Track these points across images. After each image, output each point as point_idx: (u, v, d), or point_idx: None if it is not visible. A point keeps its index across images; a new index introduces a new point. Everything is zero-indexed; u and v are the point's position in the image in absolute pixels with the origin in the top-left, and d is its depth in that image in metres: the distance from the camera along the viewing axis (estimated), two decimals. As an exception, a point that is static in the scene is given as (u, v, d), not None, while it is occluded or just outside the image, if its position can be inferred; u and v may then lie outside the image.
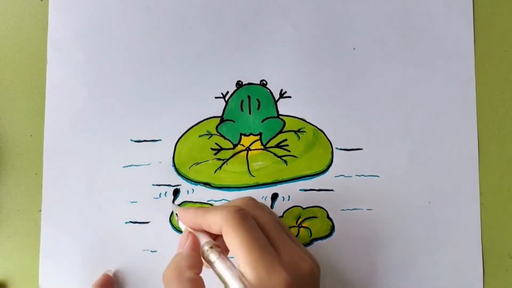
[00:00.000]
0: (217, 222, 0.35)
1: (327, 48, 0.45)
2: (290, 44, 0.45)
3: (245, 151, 0.45)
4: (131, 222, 0.44)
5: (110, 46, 0.45)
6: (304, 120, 0.45)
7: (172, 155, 0.45)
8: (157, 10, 0.45)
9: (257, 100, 0.45)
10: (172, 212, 0.44)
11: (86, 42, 0.45)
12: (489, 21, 0.46)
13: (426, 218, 0.44)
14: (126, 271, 0.44)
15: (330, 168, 0.45)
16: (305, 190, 0.44)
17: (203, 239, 0.36)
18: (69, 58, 0.45)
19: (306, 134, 0.45)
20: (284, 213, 0.44)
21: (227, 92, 0.45)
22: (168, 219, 0.44)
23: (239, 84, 0.45)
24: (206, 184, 0.45)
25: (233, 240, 0.34)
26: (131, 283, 0.44)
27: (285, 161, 0.45)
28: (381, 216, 0.44)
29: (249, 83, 0.45)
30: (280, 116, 0.45)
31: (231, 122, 0.45)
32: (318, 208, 0.44)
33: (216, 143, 0.45)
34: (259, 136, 0.45)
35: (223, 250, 0.36)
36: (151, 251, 0.44)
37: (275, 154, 0.45)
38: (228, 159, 0.45)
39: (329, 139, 0.45)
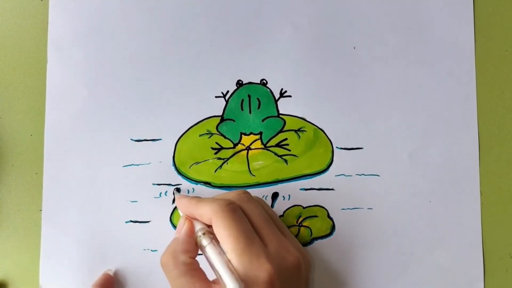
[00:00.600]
0: (207, 214, 0.36)
1: (327, 48, 0.45)
2: (290, 43, 0.45)
3: (246, 151, 0.45)
4: (131, 221, 0.44)
5: (110, 46, 0.45)
6: (305, 119, 0.45)
7: (172, 155, 0.45)
8: (157, 10, 0.45)
9: (258, 99, 0.45)
10: (172, 211, 0.44)
11: (86, 42, 0.45)
12: (489, 21, 0.46)
13: (427, 217, 0.44)
14: (126, 271, 0.44)
15: (331, 167, 0.45)
16: (306, 190, 0.44)
17: (198, 226, 0.38)
18: (69, 58, 0.45)
19: (307, 133, 0.45)
20: (284, 212, 0.44)
21: (228, 92, 0.45)
22: (169, 218, 0.44)
23: (239, 84, 0.45)
24: (207, 184, 0.44)
25: (222, 231, 0.35)
26: (131, 283, 0.44)
27: (286, 161, 0.45)
28: (381, 215, 0.44)
29: (250, 83, 0.45)
30: (280, 116, 0.45)
31: (232, 121, 0.45)
32: (318, 207, 0.44)
33: (216, 143, 0.45)
34: (259, 135, 0.45)
35: (215, 238, 0.37)
36: (151, 250, 0.44)
37: (275, 154, 0.45)
38: (228, 159, 0.45)
39: (330, 138, 0.45)
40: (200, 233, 0.37)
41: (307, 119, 0.45)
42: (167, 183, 0.44)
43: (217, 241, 0.36)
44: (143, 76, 0.45)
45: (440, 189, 0.44)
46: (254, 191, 0.44)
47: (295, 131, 0.45)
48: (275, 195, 0.44)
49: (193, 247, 0.37)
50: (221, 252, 0.35)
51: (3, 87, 0.46)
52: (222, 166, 0.45)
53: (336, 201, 0.44)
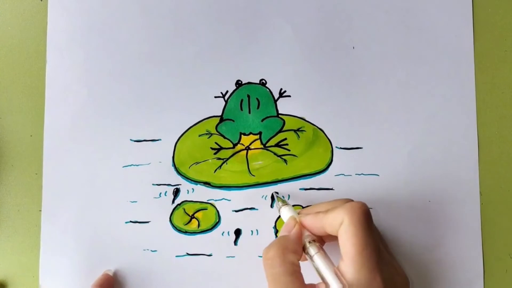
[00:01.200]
0: (338, 218, 0.35)
1: (327, 47, 0.45)
2: (289, 43, 0.45)
3: (245, 150, 0.45)
4: (131, 221, 0.44)
5: (110, 46, 0.45)
6: (304, 119, 0.45)
7: (172, 155, 0.45)
8: (156, 10, 0.45)
9: (257, 99, 0.45)
10: (172, 212, 0.44)
11: (85, 42, 0.45)
12: (489, 21, 0.46)
13: (426, 217, 0.44)
14: (126, 271, 0.44)
15: (330, 167, 0.45)
16: (305, 189, 0.44)
17: (305, 232, 0.38)
18: (69, 58, 0.45)
19: (306, 133, 0.45)
20: (284, 212, 0.44)
21: (227, 92, 0.45)
22: (168, 219, 0.44)
23: (238, 84, 0.45)
24: (206, 184, 0.45)
25: (350, 238, 0.34)
26: (131, 283, 0.44)
27: (285, 160, 0.45)
28: (380, 215, 0.44)
29: (249, 83, 0.45)
30: (279, 115, 0.45)
31: (231, 121, 0.45)
32: (318, 207, 0.44)
33: (216, 143, 0.45)
34: (258, 135, 0.45)
35: (321, 247, 0.37)
36: (151, 250, 0.44)
37: (275, 153, 0.45)
38: (228, 159, 0.45)
39: (329, 138, 0.45)
40: (308, 239, 0.37)
41: (307, 119, 0.45)
42: (166, 183, 0.44)
43: (324, 251, 0.36)
44: (143, 76, 0.45)
45: (439, 189, 0.44)
46: (253, 191, 0.44)
47: (295, 131, 0.45)
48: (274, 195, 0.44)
49: (301, 250, 0.37)
50: (330, 263, 0.35)
51: (3, 87, 0.46)
52: (222, 166, 0.45)
53: (336, 201, 0.44)
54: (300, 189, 0.44)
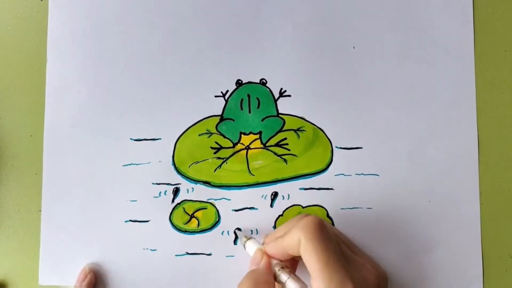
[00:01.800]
0: (295, 239, 0.36)
1: (327, 47, 0.45)
2: (290, 43, 0.45)
3: (245, 150, 0.45)
4: (131, 221, 0.44)
5: (110, 46, 0.45)
6: (304, 119, 0.45)
7: (172, 154, 0.45)
8: (156, 10, 0.45)
9: (257, 99, 0.45)
10: (171, 211, 0.44)
11: (85, 42, 0.45)
12: (489, 21, 0.46)
13: (426, 217, 0.44)
14: (125, 270, 0.44)
15: (330, 167, 0.45)
16: (305, 189, 0.44)
17: (273, 261, 0.39)
18: (69, 58, 0.45)
19: (306, 132, 0.45)
20: (284, 212, 0.44)
21: (227, 91, 0.45)
22: (168, 218, 0.44)
23: (238, 83, 0.45)
24: (206, 183, 0.45)
25: (311, 255, 0.35)
26: (131, 282, 0.44)
27: (285, 160, 0.45)
28: (380, 215, 0.44)
29: (249, 82, 0.45)
30: (280, 115, 0.45)
31: (231, 121, 0.45)
32: (318, 207, 0.44)
33: (216, 142, 0.45)
34: (259, 135, 0.45)
35: (292, 271, 0.38)
36: (151, 249, 0.44)
37: (275, 153, 0.45)
38: (228, 158, 0.45)
39: (329, 137, 0.45)
40: (277, 267, 0.38)
41: (307, 119, 0.45)
42: (166, 182, 0.44)
43: (295, 274, 0.37)
44: (143, 75, 0.45)
45: (439, 189, 0.44)
46: (253, 191, 0.44)
47: (295, 130, 0.45)
48: (274, 195, 0.44)
49: (273, 279, 0.38)
50: (303, 284, 0.36)
51: (3, 87, 0.46)
52: (222, 166, 0.45)
53: (336, 200, 0.44)
54: (300, 189, 0.44)
